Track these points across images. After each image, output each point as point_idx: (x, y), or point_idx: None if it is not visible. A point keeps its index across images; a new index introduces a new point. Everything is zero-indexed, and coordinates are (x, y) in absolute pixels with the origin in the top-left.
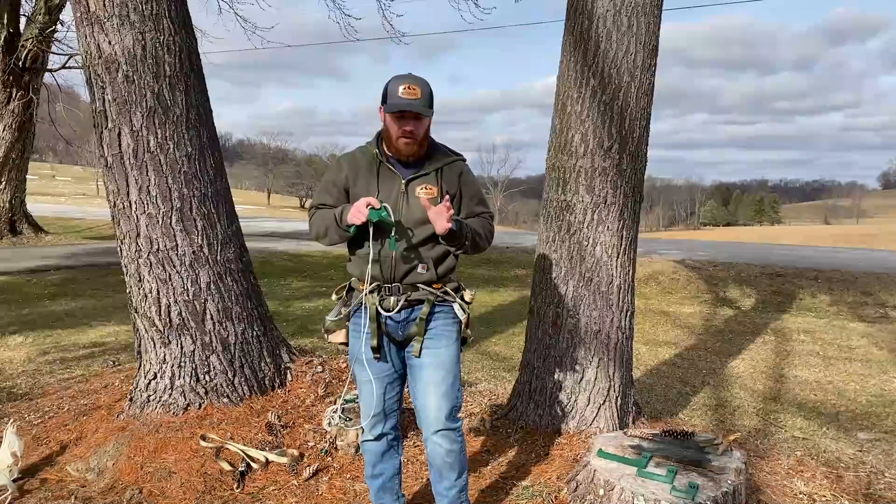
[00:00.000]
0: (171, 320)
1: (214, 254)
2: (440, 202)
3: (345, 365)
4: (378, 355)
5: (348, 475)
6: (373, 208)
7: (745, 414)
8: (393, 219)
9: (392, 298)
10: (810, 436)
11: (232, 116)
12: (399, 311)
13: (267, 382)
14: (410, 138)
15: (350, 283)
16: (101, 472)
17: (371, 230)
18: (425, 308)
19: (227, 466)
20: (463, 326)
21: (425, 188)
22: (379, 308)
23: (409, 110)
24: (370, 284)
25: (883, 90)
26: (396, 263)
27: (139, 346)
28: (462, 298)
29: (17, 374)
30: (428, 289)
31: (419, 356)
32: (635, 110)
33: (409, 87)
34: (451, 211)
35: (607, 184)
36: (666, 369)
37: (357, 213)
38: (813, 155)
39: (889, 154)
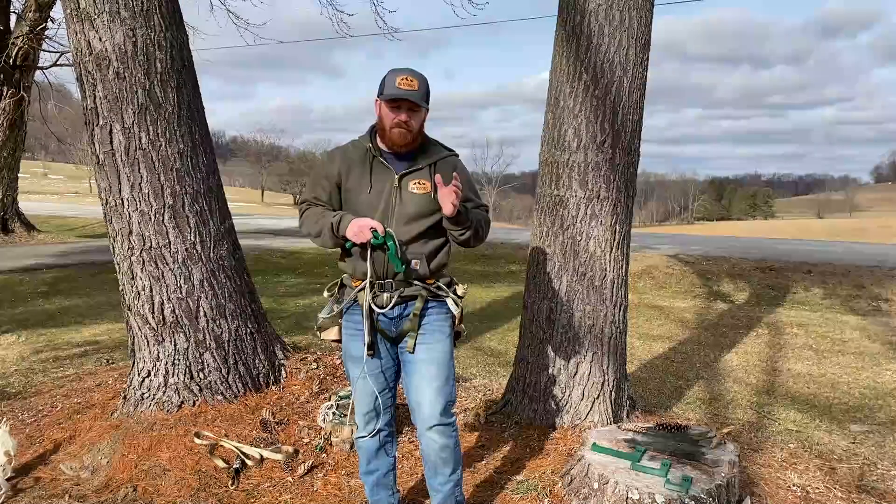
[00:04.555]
0: (164, 318)
1: (207, 251)
2: (433, 197)
3: (339, 361)
4: (371, 352)
5: (343, 471)
6: (375, 232)
7: (738, 407)
8: (396, 247)
9: (385, 295)
10: (803, 428)
11: (225, 113)
12: (392, 308)
13: (261, 379)
14: (404, 128)
15: (342, 280)
16: (96, 471)
17: (370, 250)
18: (418, 304)
19: (221, 464)
20: (456, 321)
21: (418, 183)
22: (372, 304)
23: (406, 98)
24: (363, 280)
25: (875, 84)
26: (389, 260)
27: (132, 343)
28: (455, 293)
29: (10, 373)
30: (421, 284)
31: (413, 352)
32: (628, 104)
33: (406, 79)
34: (461, 193)
35: (600, 178)
36: (660, 363)
37: (359, 234)
38: (806, 149)
39: (882, 148)
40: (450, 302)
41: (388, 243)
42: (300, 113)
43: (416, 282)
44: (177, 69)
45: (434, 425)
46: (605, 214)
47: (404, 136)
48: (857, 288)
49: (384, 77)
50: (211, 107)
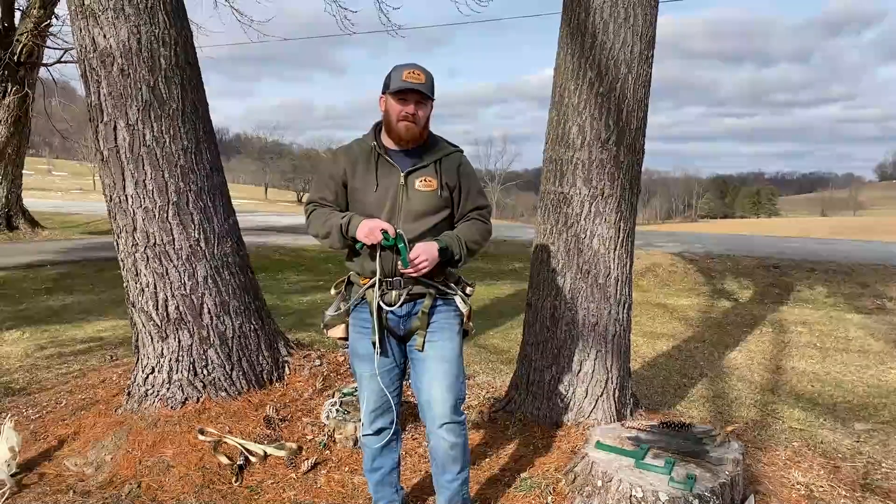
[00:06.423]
0: (168, 314)
1: (211, 248)
2: (439, 194)
3: (342, 358)
4: (379, 350)
5: (347, 468)
6: (386, 233)
7: (742, 405)
8: (407, 249)
9: (394, 293)
10: (808, 427)
11: (228, 110)
12: (401, 306)
13: (265, 376)
14: (412, 121)
15: (349, 278)
16: (100, 467)
17: (379, 249)
18: (427, 301)
19: (225, 460)
20: (465, 319)
21: (424, 180)
22: (381, 302)
23: (413, 89)
24: (371, 278)
25: (880, 81)
26: (401, 265)
27: (136, 340)
28: (463, 291)
29: (15, 370)
30: (429, 282)
31: (422, 350)
32: (632, 102)
33: (413, 72)
34: (421, 264)
35: (605, 176)
36: (664, 361)
37: (370, 235)
38: (810, 147)
39: (886, 146)
40: (458, 300)
41: (399, 246)
42: (303, 110)
43: (424, 279)
44: (181, 66)
45: (444, 423)
46: (609, 212)
47: (412, 129)
48: (861, 286)
49: (389, 74)
50: (214, 104)
